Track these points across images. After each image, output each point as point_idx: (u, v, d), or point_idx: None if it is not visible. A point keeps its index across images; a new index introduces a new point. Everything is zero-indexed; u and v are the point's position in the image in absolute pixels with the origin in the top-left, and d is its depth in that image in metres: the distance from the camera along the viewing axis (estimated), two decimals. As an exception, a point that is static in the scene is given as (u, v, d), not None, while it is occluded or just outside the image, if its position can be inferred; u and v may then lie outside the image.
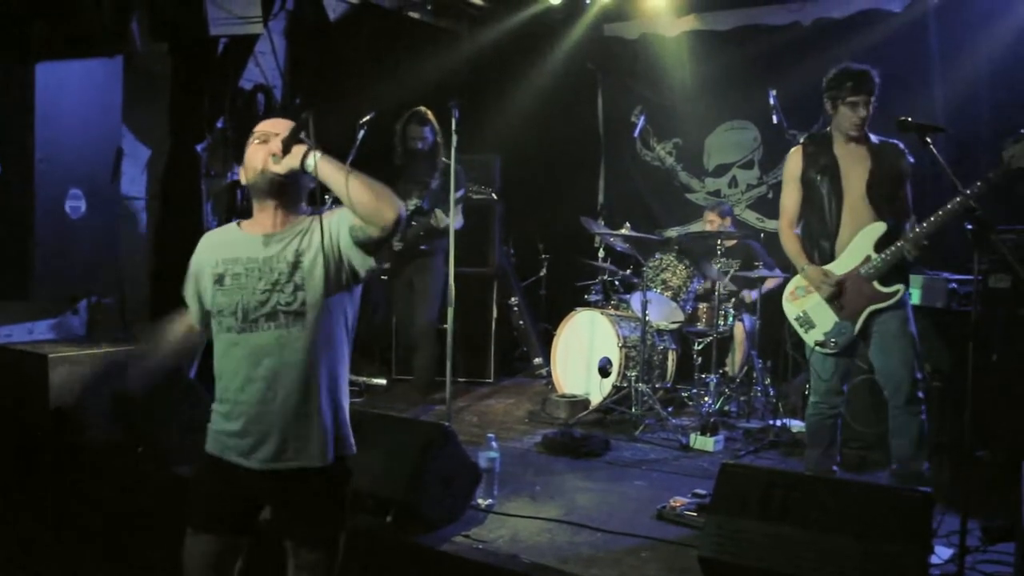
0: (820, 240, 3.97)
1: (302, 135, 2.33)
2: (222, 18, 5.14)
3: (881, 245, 3.82)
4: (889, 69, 6.08)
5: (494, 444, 4.03)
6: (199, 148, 6.08)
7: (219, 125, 6.38)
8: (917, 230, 3.74)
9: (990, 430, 4.35)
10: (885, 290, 3.82)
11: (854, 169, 3.91)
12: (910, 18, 6.24)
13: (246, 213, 2.59)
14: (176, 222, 5.82)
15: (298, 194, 2.48)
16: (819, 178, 3.94)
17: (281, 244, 2.41)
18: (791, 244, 4.04)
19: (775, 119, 5.26)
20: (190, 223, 5.93)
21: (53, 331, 5.29)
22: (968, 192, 3.44)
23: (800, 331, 4.01)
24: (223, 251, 2.46)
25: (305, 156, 2.31)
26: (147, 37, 5.55)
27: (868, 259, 3.83)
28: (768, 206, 7.05)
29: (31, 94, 4.50)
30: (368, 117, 5.30)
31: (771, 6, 6.94)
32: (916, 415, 3.83)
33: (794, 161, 4.05)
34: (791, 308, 4.04)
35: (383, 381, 6.66)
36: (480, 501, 3.93)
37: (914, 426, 3.84)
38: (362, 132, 5.18)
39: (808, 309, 3.97)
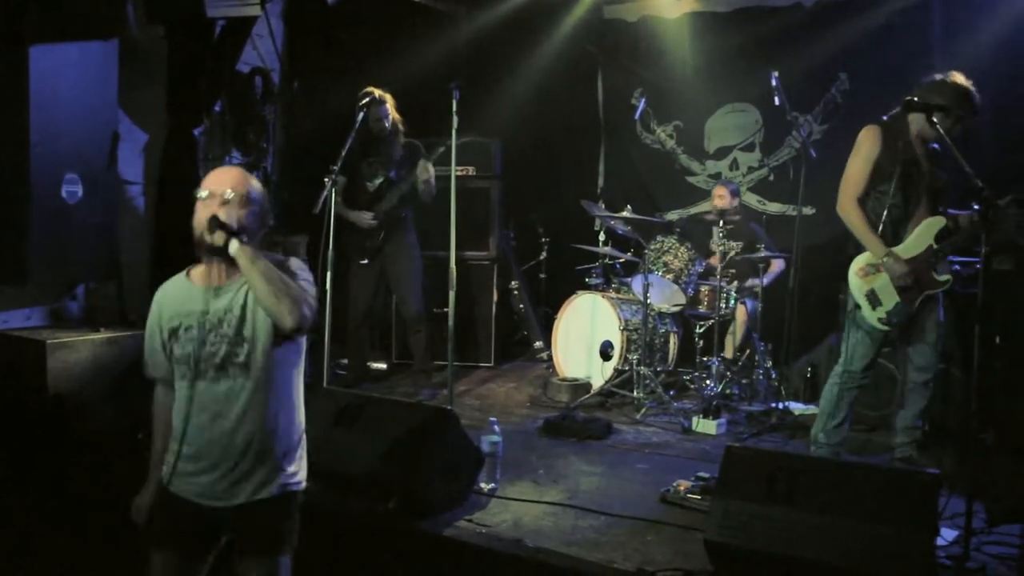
0: (897, 225, 4.09)
1: (225, 222, 2.45)
2: (219, 0, 5.09)
3: (941, 237, 4.04)
4: (891, 52, 6.11)
5: (496, 428, 4.02)
6: (196, 132, 6.04)
7: (217, 109, 6.34)
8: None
9: (994, 412, 4.35)
10: (940, 278, 4.06)
11: (926, 163, 4.09)
12: (913, 1, 6.19)
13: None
14: (173, 206, 5.77)
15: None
16: (902, 169, 4.01)
17: (228, 297, 2.52)
18: (860, 221, 4.08)
19: (777, 101, 5.21)
20: (187, 208, 5.88)
21: (51, 317, 5.26)
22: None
23: (866, 306, 4.11)
24: (178, 304, 2.58)
25: (227, 242, 2.44)
26: (143, 20, 5.50)
27: (930, 248, 4.04)
28: (770, 189, 7.02)
29: (26, 78, 4.43)
30: (367, 100, 5.26)
31: (773, -12, 6.90)
32: (930, 390, 4.23)
33: (872, 141, 4.09)
34: (860, 283, 4.13)
35: (383, 365, 6.66)
36: (483, 485, 3.92)
37: (925, 400, 4.23)
38: (361, 115, 5.14)
39: (877, 288, 4.09)
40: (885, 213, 4.04)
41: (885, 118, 4.17)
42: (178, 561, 2.57)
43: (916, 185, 4.06)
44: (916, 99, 3.75)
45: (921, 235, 4.06)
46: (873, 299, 4.09)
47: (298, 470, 2.64)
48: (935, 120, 3.66)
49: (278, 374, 2.54)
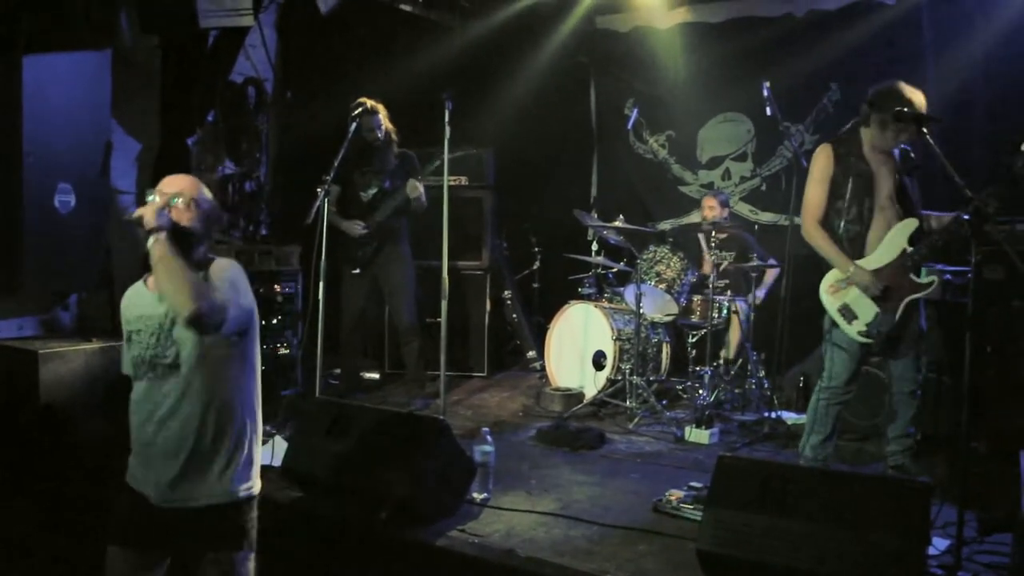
0: (856, 239, 4.06)
1: (148, 220, 2.49)
2: (212, 10, 5.09)
3: (914, 240, 3.99)
4: (882, 62, 6.14)
5: (489, 438, 4.01)
6: (189, 142, 6.05)
7: (209, 119, 6.34)
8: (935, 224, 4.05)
9: (985, 422, 4.35)
10: (921, 281, 4.01)
11: (882, 172, 4.06)
12: (904, 10, 6.22)
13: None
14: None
15: (187, 253, 2.58)
16: (853, 181, 4.03)
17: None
18: (824, 241, 4.08)
19: (768, 111, 5.23)
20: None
21: (43, 327, 5.25)
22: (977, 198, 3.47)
23: (842, 322, 4.07)
24: (133, 309, 2.70)
25: (148, 235, 2.49)
26: (136, 30, 5.52)
27: (904, 253, 3.99)
28: (762, 198, 7.04)
29: (19, 88, 4.43)
30: (359, 111, 5.27)
31: (764, -3, 6.94)
32: (917, 399, 4.24)
33: (823, 162, 4.10)
34: (832, 300, 4.09)
35: (376, 375, 6.65)
36: (475, 495, 3.91)
37: (913, 409, 4.24)
38: (354, 125, 5.15)
39: (850, 301, 4.05)
40: (842, 228, 4.05)
41: (840, 133, 4.19)
42: (128, 555, 2.63)
43: (872, 197, 4.03)
44: (906, 109, 3.75)
45: (892, 241, 4.02)
46: (847, 313, 4.05)
47: (246, 477, 2.69)
48: (925, 131, 3.60)
49: (213, 378, 2.60)
